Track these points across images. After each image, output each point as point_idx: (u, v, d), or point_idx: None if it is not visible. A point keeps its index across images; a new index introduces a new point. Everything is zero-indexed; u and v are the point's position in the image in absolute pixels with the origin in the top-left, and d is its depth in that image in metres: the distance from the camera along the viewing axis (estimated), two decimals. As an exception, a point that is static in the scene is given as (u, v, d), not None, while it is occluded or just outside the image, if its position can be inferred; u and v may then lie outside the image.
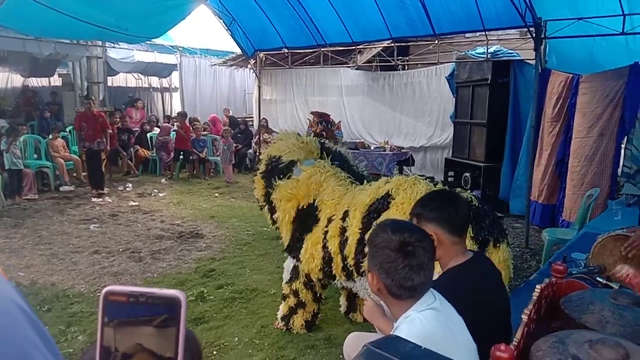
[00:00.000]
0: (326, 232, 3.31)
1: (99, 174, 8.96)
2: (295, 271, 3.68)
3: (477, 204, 2.79)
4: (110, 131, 9.56)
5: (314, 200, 3.49)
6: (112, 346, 0.46)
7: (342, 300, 4.07)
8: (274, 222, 3.82)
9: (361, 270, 3.02)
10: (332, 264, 3.27)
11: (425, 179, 3.10)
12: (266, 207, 3.88)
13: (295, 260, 3.63)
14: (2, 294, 0.38)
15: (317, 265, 3.38)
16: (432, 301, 1.51)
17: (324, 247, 3.31)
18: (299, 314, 3.74)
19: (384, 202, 2.97)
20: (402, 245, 1.47)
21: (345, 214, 3.20)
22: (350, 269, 3.13)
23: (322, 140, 4.04)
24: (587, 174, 6.00)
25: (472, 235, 2.63)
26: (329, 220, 3.34)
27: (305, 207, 3.51)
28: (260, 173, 3.92)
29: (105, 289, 0.47)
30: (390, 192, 2.99)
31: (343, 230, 3.18)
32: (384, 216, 2.87)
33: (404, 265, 1.45)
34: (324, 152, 3.83)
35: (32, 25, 8.23)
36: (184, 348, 0.47)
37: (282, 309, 3.83)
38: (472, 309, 1.64)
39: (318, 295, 3.75)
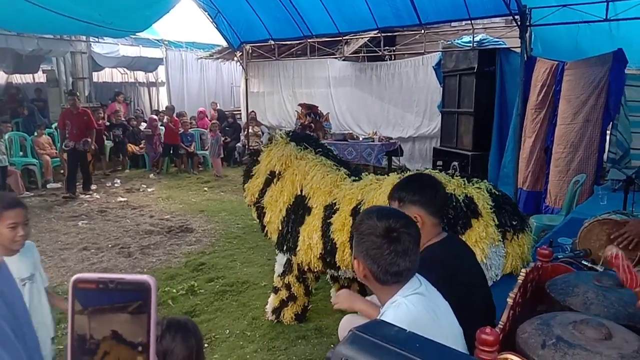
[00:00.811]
0: (328, 222, 3.24)
1: (86, 175, 8.62)
2: (288, 264, 3.66)
3: (497, 192, 2.80)
4: (99, 128, 9.48)
5: (301, 191, 3.47)
6: (87, 334, 0.46)
7: (333, 292, 4.08)
8: (264, 227, 3.76)
9: None
10: (337, 255, 3.22)
11: (440, 172, 3.03)
12: (255, 212, 3.84)
13: (288, 254, 3.60)
14: None
15: (316, 255, 3.33)
16: (418, 286, 1.52)
17: (326, 236, 3.25)
18: (290, 307, 3.75)
19: None
20: (387, 232, 1.48)
21: (356, 209, 3.11)
22: None
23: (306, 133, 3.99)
24: (573, 161, 6.05)
25: (496, 222, 2.63)
26: (327, 209, 3.28)
27: (292, 200, 3.49)
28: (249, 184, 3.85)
29: (74, 277, 0.47)
30: None
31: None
32: None
33: (390, 251, 1.47)
34: (305, 145, 3.75)
35: (14, 21, 8.11)
36: (155, 333, 0.47)
37: (273, 302, 3.83)
38: (455, 289, 1.67)
39: (310, 288, 3.78)
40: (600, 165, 6.04)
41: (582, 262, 2.25)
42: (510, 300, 1.45)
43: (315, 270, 3.48)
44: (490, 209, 2.69)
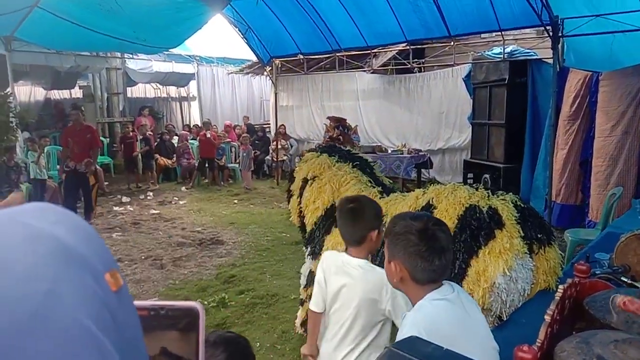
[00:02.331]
0: None
1: (88, 202, 7.58)
2: (311, 275, 3.60)
3: (522, 204, 2.75)
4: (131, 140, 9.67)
5: (334, 202, 3.43)
6: None
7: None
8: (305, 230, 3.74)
9: None
10: None
11: (465, 185, 2.99)
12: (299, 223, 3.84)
13: (311, 261, 3.57)
14: (68, 313, 0.32)
15: None
16: (450, 292, 1.51)
17: None
18: None
19: (427, 212, 2.84)
20: (423, 230, 1.52)
21: None
22: None
23: (343, 147, 4.00)
24: (613, 174, 5.90)
25: (522, 235, 2.58)
26: None
27: (327, 208, 3.48)
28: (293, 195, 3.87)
29: None
30: (431, 202, 2.90)
31: None
32: None
33: (427, 247, 1.50)
34: (343, 157, 3.77)
35: (54, 39, 8.44)
36: (203, 353, 0.48)
37: (300, 315, 3.80)
38: None
39: None
40: (640, 178, 5.87)
41: (622, 278, 2.19)
42: (547, 318, 1.42)
43: None
44: (516, 220, 2.62)
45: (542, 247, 2.64)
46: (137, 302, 0.48)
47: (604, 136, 6.00)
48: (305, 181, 3.67)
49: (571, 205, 6.57)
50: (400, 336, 1.39)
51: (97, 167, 7.60)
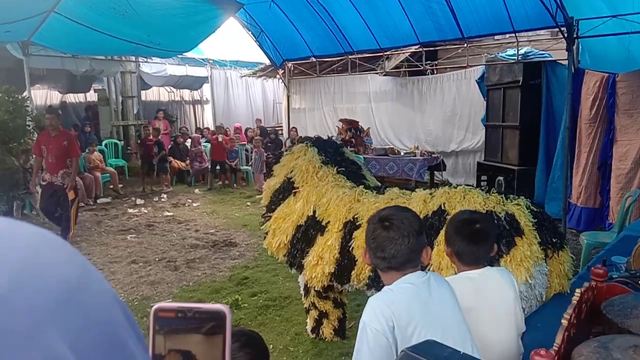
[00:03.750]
0: (349, 237, 3.17)
1: (66, 219, 6.28)
2: (305, 286, 3.64)
3: (535, 209, 2.74)
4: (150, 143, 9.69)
5: (314, 212, 3.41)
6: (163, 353, 0.49)
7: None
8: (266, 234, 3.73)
9: None
10: (353, 270, 3.16)
11: (475, 188, 2.96)
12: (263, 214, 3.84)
13: (298, 272, 3.59)
14: (104, 285, 0.39)
15: (326, 272, 3.29)
16: (416, 278, 1.59)
17: (343, 252, 3.19)
18: (325, 324, 3.72)
19: (440, 218, 2.81)
20: (380, 220, 1.63)
21: None
22: None
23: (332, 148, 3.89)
24: (635, 177, 5.83)
25: (538, 240, 2.57)
26: (348, 225, 3.21)
27: (303, 222, 3.45)
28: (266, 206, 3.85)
29: (154, 306, 0.50)
30: (443, 207, 2.85)
31: None
32: (442, 234, 2.73)
33: (376, 235, 1.61)
34: (330, 158, 3.72)
35: (70, 44, 8.57)
36: (230, 356, 0.49)
37: (309, 322, 3.82)
38: None
39: (339, 300, 3.71)
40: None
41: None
42: (565, 322, 1.41)
43: (321, 286, 3.41)
44: (533, 226, 2.61)
45: (556, 252, 2.65)
46: (164, 304, 0.49)
47: (627, 139, 5.93)
48: (289, 184, 3.61)
49: (591, 208, 6.51)
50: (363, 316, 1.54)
51: (78, 179, 6.39)
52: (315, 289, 3.48)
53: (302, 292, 3.76)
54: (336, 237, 3.25)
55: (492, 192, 2.84)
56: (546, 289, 2.60)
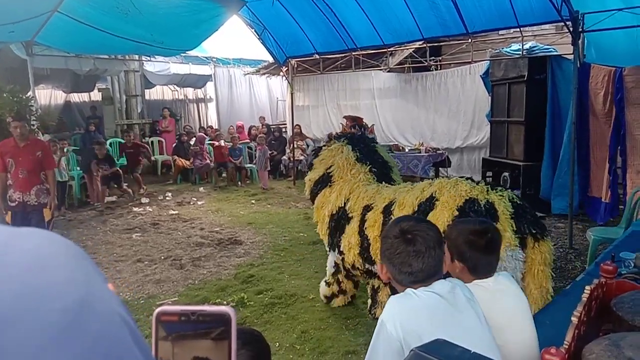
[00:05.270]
0: (364, 220, 3.63)
1: None
2: (337, 266, 4.15)
3: (517, 201, 3.01)
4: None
5: (345, 204, 3.89)
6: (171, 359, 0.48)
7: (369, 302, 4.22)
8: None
9: None
10: (371, 249, 3.55)
11: (466, 180, 3.25)
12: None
13: (336, 256, 4.03)
14: (109, 306, 0.38)
15: (356, 253, 3.73)
16: (442, 287, 1.53)
17: (362, 233, 3.64)
18: (340, 298, 4.31)
19: (430, 203, 3.17)
20: (401, 233, 1.56)
21: (388, 208, 3.45)
22: None
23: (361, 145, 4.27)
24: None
25: (514, 228, 2.83)
26: (365, 209, 3.67)
27: (336, 212, 3.95)
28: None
29: (157, 310, 0.48)
30: (434, 195, 3.19)
31: (385, 222, 3.42)
32: (430, 216, 3.02)
33: (401, 250, 1.55)
34: (364, 155, 4.14)
35: (73, 43, 8.57)
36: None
37: (327, 291, 4.33)
38: None
39: (358, 282, 4.26)
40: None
41: (649, 278, 2.14)
42: (574, 319, 1.39)
43: (358, 267, 3.81)
44: (510, 215, 2.88)
45: (537, 242, 2.90)
46: (167, 308, 0.48)
47: (638, 133, 5.92)
48: (329, 176, 4.10)
49: (605, 202, 6.49)
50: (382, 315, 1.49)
51: (53, 195, 5.40)
52: (346, 268, 3.98)
53: (329, 270, 4.28)
54: (356, 222, 3.74)
55: (481, 184, 3.14)
56: (523, 273, 2.87)
